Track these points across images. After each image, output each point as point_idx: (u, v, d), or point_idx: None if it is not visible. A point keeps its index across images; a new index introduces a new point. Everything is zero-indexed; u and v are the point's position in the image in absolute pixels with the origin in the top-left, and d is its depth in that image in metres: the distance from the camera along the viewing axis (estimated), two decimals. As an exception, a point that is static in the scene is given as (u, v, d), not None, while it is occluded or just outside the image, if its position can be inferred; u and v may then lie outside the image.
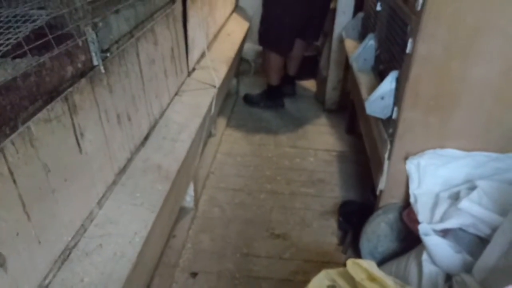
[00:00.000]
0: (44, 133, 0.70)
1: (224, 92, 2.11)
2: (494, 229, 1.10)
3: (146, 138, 1.17)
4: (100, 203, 0.92)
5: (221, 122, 2.34)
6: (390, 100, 1.25)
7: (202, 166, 1.88)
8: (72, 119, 0.78)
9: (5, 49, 0.66)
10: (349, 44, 1.92)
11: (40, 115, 0.69)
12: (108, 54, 0.86)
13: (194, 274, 1.42)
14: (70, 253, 0.81)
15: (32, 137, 0.67)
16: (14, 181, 0.63)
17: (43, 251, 0.72)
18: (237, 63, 2.44)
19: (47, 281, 0.74)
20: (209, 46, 1.83)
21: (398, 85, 1.22)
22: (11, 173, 0.62)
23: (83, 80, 0.81)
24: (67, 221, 0.79)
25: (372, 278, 1.03)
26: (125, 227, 0.90)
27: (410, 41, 1.10)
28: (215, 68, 1.65)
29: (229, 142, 2.22)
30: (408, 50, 1.12)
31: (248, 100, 2.62)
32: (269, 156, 2.09)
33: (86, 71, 0.83)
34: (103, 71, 0.86)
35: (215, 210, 1.72)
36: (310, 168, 1.99)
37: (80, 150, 0.82)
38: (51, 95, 0.72)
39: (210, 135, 2.12)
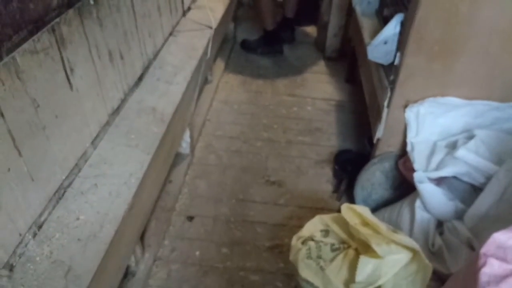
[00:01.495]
0: (31, 65, 0.66)
1: (220, 35, 2.03)
2: (488, 178, 1.11)
3: (140, 78, 1.13)
4: (94, 143, 0.91)
5: (218, 68, 2.27)
6: (393, 45, 1.21)
7: (199, 113, 1.86)
8: (60, 53, 0.74)
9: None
10: (353, -14, 1.82)
11: (25, 45, 0.65)
12: (96, -16, 0.80)
13: (190, 218, 1.44)
14: (65, 191, 0.81)
15: (18, 69, 0.63)
16: (2, 115, 0.60)
17: (36, 188, 0.71)
18: (234, 5, 2.33)
19: (42, 218, 0.74)
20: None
21: (403, 29, 1.17)
22: (-2, 106, 0.59)
23: (70, 11, 0.76)
24: (61, 160, 0.78)
25: (365, 223, 1.05)
26: (120, 168, 0.89)
27: (419, -20, 1.04)
28: (212, 8, 1.57)
29: (226, 89, 2.17)
30: (416, -10, 1.06)
31: (246, 46, 2.54)
32: (266, 104, 2.06)
33: (74, 1, 0.77)
34: (92, 2, 0.81)
35: (211, 157, 1.72)
36: (308, 117, 1.97)
37: (71, 87, 0.78)
38: (37, 25, 0.67)
39: (206, 81, 2.07)
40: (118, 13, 0.96)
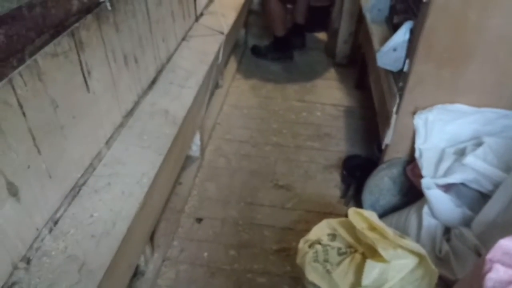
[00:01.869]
0: (51, 67, 0.69)
1: (232, 40, 2.06)
2: (496, 185, 1.11)
3: (153, 82, 1.16)
4: (108, 144, 0.94)
5: (229, 73, 2.30)
6: (402, 52, 1.22)
7: (209, 116, 1.88)
8: (79, 56, 0.77)
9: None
10: (364, -6, 1.84)
11: (47, 49, 0.68)
12: (114, -10, 0.84)
13: (199, 220, 1.46)
14: (80, 189, 0.83)
15: (40, 71, 0.66)
16: (24, 114, 0.63)
17: (54, 185, 0.74)
18: (246, 11, 2.36)
19: (58, 215, 0.77)
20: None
21: (412, 36, 1.18)
22: (21, 106, 0.62)
23: (89, 16, 0.79)
24: (77, 159, 0.81)
25: (372, 228, 1.06)
26: (133, 168, 0.92)
27: (428, -12, 1.05)
28: (224, 14, 1.60)
29: (236, 94, 2.20)
30: (425, -2, 1.07)
31: (256, 51, 2.57)
32: (275, 109, 2.08)
33: (92, 7, 0.81)
34: (109, 8, 0.84)
35: (221, 160, 1.74)
36: (317, 122, 1.99)
37: (88, 89, 0.81)
38: (57, 29, 0.71)
39: (217, 86, 2.10)
40: (134, 19, 0.99)
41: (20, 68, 0.62)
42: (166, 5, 1.20)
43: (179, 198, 1.49)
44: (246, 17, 2.53)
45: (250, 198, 1.56)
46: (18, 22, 0.61)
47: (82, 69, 0.79)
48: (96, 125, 0.87)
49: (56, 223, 0.75)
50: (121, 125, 1.00)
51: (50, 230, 0.74)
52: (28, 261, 0.67)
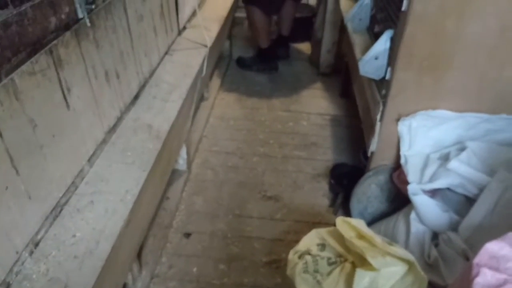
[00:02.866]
0: (29, 86, 0.68)
1: (216, 53, 2.07)
2: (481, 189, 1.12)
3: (136, 97, 1.15)
4: (90, 161, 0.92)
5: (214, 85, 2.30)
6: (384, 60, 1.23)
7: (195, 129, 1.87)
8: (58, 73, 0.76)
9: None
10: (345, 4, 1.87)
11: (24, 67, 0.66)
12: (93, 6, 0.83)
13: (187, 235, 1.44)
14: (61, 209, 0.81)
15: (17, 90, 0.65)
16: (0, 134, 0.62)
17: (34, 206, 0.72)
18: (229, 24, 2.38)
19: (39, 236, 0.75)
20: (200, 4, 1.77)
21: (393, 44, 1.20)
22: (-4, 126, 0.61)
23: (68, 33, 0.78)
24: (58, 178, 0.79)
25: (361, 236, 1.06)
26: (116, 185, 0.90)
27: (406, -2, 1.07)
28: (207, 27, 1.61)
29: (222, 106, 2.20)
30: (403, 7, 1.09)
31: (241, 63, 2.58)
32: (262, 120, 2.09)
33: (71, 24, 0.80)
34: (88, 24, 0.83)
35: (208, 172, 1.73)
36: (303, 132, 1.99)
37: (68, 106, 0.80)
38: (35, 47, 0.70)
39: (202, 98, 2.10)
40: (114, 34, 0.98)
41: (-4, 87, 0.60)
42: (148, 20, 1.20)
43: (166, 213, 1.47)
44: (230, 29, 2.55)
45: (239, 210, 1.54)
46: (-8, 41, 0.59)
47: (61, 86, 0.77)
48: (77, 142, 0.85)
49: (37, 245, 0.73)
50: (104, 142, 0.98)
51: (31, 253, 0.71)
52: (8, 286, 0.65)
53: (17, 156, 0.66)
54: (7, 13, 0.64)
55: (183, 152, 1.59)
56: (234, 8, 2.35)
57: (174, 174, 1.60)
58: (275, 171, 1.74)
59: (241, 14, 2.90)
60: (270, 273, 1.30)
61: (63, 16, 0.78)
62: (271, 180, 1.69)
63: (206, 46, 1.53)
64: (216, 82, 2.35)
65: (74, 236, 0.76)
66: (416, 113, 1.21)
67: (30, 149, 0.70)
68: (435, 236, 1.23)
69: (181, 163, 1.62)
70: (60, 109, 0.78)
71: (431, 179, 1.17)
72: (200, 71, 1.48)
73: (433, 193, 1.19)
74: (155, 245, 1.33)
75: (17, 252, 0.68)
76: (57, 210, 0.80)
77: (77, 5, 0.81)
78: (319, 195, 1.62)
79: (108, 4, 0.94)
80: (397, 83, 1.17)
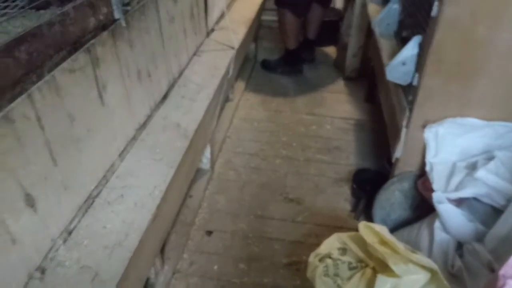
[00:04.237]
0: (69, 83, 0.72)
1: (242, 55, 2.09)
2: (509, 200, 1.10)
3: (165, 96, 1.18)
4: (121, 156, 0.95)
5: (239, 87, 2.33)
6: (411, 66, 1.23)
7: (219, 130, 1.90)
8: (94, 71, 0.79)
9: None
10: (372, 8, 1.86)
11: (64, 64, 0.70)
12: (128, 8, 0.87)
13: (209, 233, 1.47)
14: (93, 201, 0.85)
15: (58, 86, 0.69)
16: (42, 127, 0.65)
17: (69, 196, 0.75)
18: (256, 26, 2.40)
19: (72, 226, 0.78)
20: (228, 7, 1.81)
21: (421, 50, 1.19)
22: (39, 119, 0.65)
23: (105, 33, 0.82)
24: (91, 170, 0.83)
25: (383, 242, 1.05)
26: (145, 180, 0.93)
27: (436, 3, 1.07)
28: (234, 29, 1.64)
29: (246, 107, 2.22)
30: (433, 13, 1.08)
31: (266, 65, 2.60)
32: (285, 123, 2.10)
33: (108, 24, 0.83)
34: (124, 25, 0.87)
35: (231, 173, 1.75)
36: (327, 136, 1.99)
37: (102, 103, 0.84)
38: (75, 46, 0.73)
39: (227, 99, 2.13)
40: (147, 35, 1.02)
41: (39, 83, 0.64)
42: (179, 22, 1.23)
43: (189, 211, 1.50)
44: (256, 32, 2.57)
45: (260, 211, 1.56)
46: (38, 40, 0.63)
47: (97, 84, 0.81)
48: (109, 138, 0.89)
49: (70, 233, 0.77)
50: (134, 138, 1.02)
51: (65, 241, 0.75)
52: (43, 271, 0.69)
53: (56, 148, 0.70)
54: (51, 13, 0.68)
55: (207, 152, 1.61)
56: (260, 11, 2.37)
57: (198, 172, 1.63)
58: (297, 174, 1.75)
59: (267, 17, 2.93)
60: (290, 274, 1.31)
61: (101, 17, 0.81)
62: (293, 182, 1.70)
63: (233, 48, 1.55)
64: (241, 83, 2.38)
65: (104, 227, 0.80)
66: (444, 120, 1.19)
67: (68, 142, 0.73)
68: (459, 246, 1.20)
69: (205, 162, 1.65)
70: (96, 105, 0.82)
71: (457, 188, 1.16)
72: (226, 72, 1.51)
73: (458, 202, 1.17)
74: (177, 241, 1.36)
75: (52, 240, 0.71)
76: (89, 202, 0.83)
77: (114, 7, 0.85)
78: (341, 199, 1.62)
79: (142, 6, 0.98)
80: (424, 90, 1.16)
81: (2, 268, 0.59)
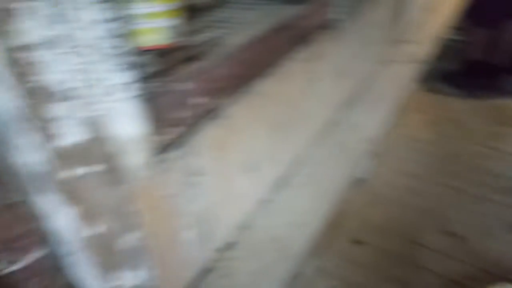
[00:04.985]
0: (296, 72, 0.79)
1: (424, 69, 1.99)
2: None
3: (352, 99, 1.20)
4: (307, 148, 1.01)
5: (411, 103, 2.22)
6: None
7: (383, 143, 1.85)
8: (311, 65, 0.86)
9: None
10: None
11: (293, 55, 0.78)
12: (346, 12, 0.91)
13: (358, 243, 1.44)
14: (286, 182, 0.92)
15: (285, 73, 0.76)
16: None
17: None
18: (441, 41, 2.24)
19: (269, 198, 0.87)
20: (418, 20, 1.73)
21: None
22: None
23: (325, 32, 0.88)
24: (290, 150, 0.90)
25: None
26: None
27: None
28: (420, 42, 1.56)
29: (413, 126, 2.10)
30: None
31: (446, 79, 2.40)
32: (456, 150, 1.91)
33: (328, 25, 0.89)
34: (342, 27, 0.91)
35: (389, 190, 1.69)
36: (509, 175, 1.74)
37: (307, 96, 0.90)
38: (303, 40, 0.80)
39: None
40: (353, 38, 1.05)
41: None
42: (376, 30, 1.23)
43: (342, 217, 1.50)
44: (441, 47, 2.40)
45: (415, 236, 1.46)
46: (285, 31, 0.71)
47: (311, 76, 0.87)
48: (309, 125, 0.95)
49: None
50: (320, 136, 1.07)
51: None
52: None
53: (272, 127, 0.78)
54: (302, 9, 0.75)
55: (367, 163, 1.59)
56: (448, 27, 2.21)
57: (356, 181, 1.62)
58: (464, 209, 1.58)
59: (453, 36, 2.71)
60: (442, 313, 1.20)
61: (323, 18, 0.87)
62: (457, 217, 1.54)
63: (417, 61, 1.49)
64: (414, 100, 2.26)
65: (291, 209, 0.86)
66: None
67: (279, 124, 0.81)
68: None
69: (364, 173, 1.63)
70: (304, 97, 0.89)
71: None
72: (409, 84, 1.45)
73: None
74: (326, 241, 1.38)
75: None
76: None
77: (336, 11, 0.90)
78: (515, 250, 1.40)
79: (355, 12, 1.01)
80: None
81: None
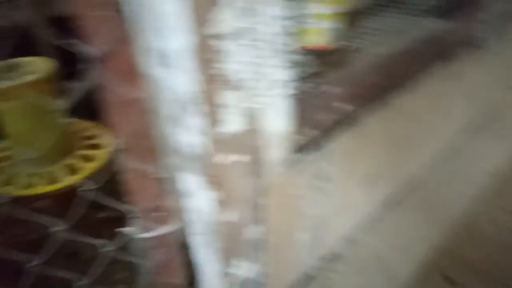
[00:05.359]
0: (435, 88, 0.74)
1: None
2: None
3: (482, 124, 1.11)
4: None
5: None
6: None
7: (501, 178, 1.67)
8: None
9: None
10: None
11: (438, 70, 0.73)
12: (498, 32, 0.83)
13: (451, 281, 1.33)
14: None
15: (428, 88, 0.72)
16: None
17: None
18: None
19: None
20: None
21: None
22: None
23: (471, 51, 0.81)
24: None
25: None
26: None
27: None
28: None
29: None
30: None
31: None
32: None
33: (473, 43, 0.82)
34: (490, 47, 0.84)
35: (493, 229, 1.52)
36: None
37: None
38: (447, 57, 0.75)
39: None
40: (500, 60, 0.96)
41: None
42: None
43: (431, 251, 1.39)
44: None
45: (517, 286, 1.30)
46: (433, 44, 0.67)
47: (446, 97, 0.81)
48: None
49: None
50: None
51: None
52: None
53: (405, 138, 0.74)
54: (448, 23, 0.70)
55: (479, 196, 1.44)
56: None
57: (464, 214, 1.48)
58: None
59: None
60: None
61: (468, 36, 0.80)
62: None
63: None
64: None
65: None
66: None
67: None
68: None
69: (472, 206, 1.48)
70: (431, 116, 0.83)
71: None
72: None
73: None
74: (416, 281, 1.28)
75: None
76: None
77: (483, 27, 0.82)
78: None
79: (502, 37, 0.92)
80: None
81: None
